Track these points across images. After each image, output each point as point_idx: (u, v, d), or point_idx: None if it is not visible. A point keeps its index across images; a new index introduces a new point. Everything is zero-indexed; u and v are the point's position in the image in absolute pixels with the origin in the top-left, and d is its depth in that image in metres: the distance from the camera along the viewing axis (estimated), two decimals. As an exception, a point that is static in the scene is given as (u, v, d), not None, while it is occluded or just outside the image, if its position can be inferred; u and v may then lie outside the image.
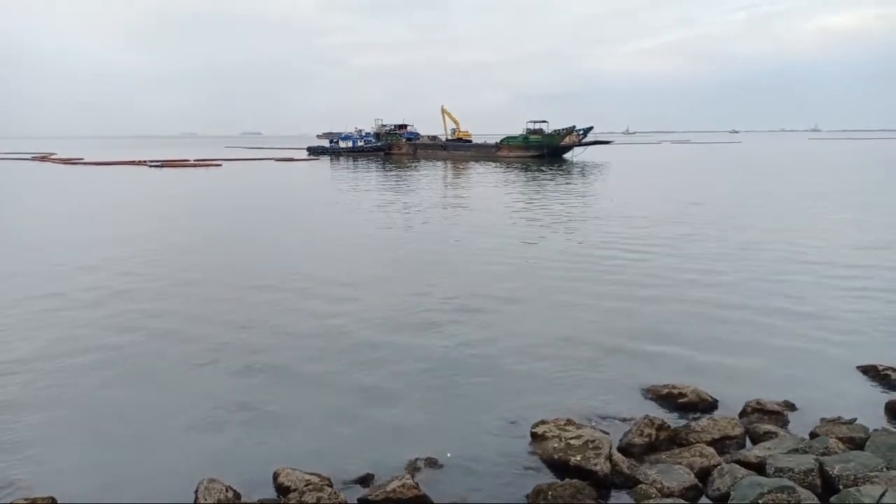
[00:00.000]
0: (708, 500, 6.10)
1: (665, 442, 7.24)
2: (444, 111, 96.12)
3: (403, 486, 6.12)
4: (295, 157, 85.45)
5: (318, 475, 6.42)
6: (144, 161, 72.48)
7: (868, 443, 6.63)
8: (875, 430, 6.95)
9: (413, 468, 6.76)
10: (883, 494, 4.89)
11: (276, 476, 6.44)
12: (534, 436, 7.30)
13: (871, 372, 9.15)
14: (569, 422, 7.40)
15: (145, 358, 10.04)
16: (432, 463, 6.89)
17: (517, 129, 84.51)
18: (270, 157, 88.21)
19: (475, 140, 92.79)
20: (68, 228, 24.66)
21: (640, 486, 6.22)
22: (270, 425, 7.84)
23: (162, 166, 66.91)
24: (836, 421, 7.52)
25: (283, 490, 6.24)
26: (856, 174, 50.66)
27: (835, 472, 5.95)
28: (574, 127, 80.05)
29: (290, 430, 7.72)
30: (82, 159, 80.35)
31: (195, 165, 69.89)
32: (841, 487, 5.72)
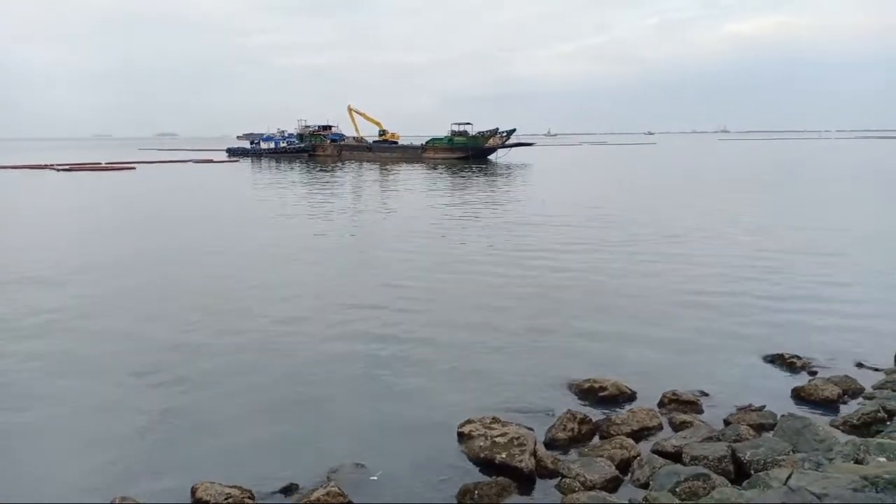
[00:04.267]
0: (629, 490, 6.25)
1: (588, 435, 7.42)
2: (351, 111, 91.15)
3: (328, 493, 5.98)
4: (214, 160, 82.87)
5: (239, 487, 6.19)
6: (51, 165, 68.55)
7: (776, 428, 6.96)
8: (783, 415, 7.30)
9: (338, 475, 6.62)
10: (789, 476, 5.13)
11: (193, 491, 6.16)
12: (460, 435, 7.30)
13: (778, 361, 9.65)
14: (494, 419, 7.45)
15: (54, 370, 9.47)
16: (358, 468, 6.77)
17: (446, 131, 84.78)
18: (188, 159, 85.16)
19: (404, 142, 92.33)
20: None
21: (563, 479, 6.32)
22: (188, 438, 7.53)
23: (70, 170, 63.43)
24: (748, 408, 7.89)
25: (201, 505, 5.99)
26: (766, 175, 53.38)
27: (746, 457, 6.22)
28: (497, 129, 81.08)
29: (209, 441, 7.43)
30: (-21, 163, 75.31)
31: (107, 169, 66.59)
32: (752, 472, 5.96)
